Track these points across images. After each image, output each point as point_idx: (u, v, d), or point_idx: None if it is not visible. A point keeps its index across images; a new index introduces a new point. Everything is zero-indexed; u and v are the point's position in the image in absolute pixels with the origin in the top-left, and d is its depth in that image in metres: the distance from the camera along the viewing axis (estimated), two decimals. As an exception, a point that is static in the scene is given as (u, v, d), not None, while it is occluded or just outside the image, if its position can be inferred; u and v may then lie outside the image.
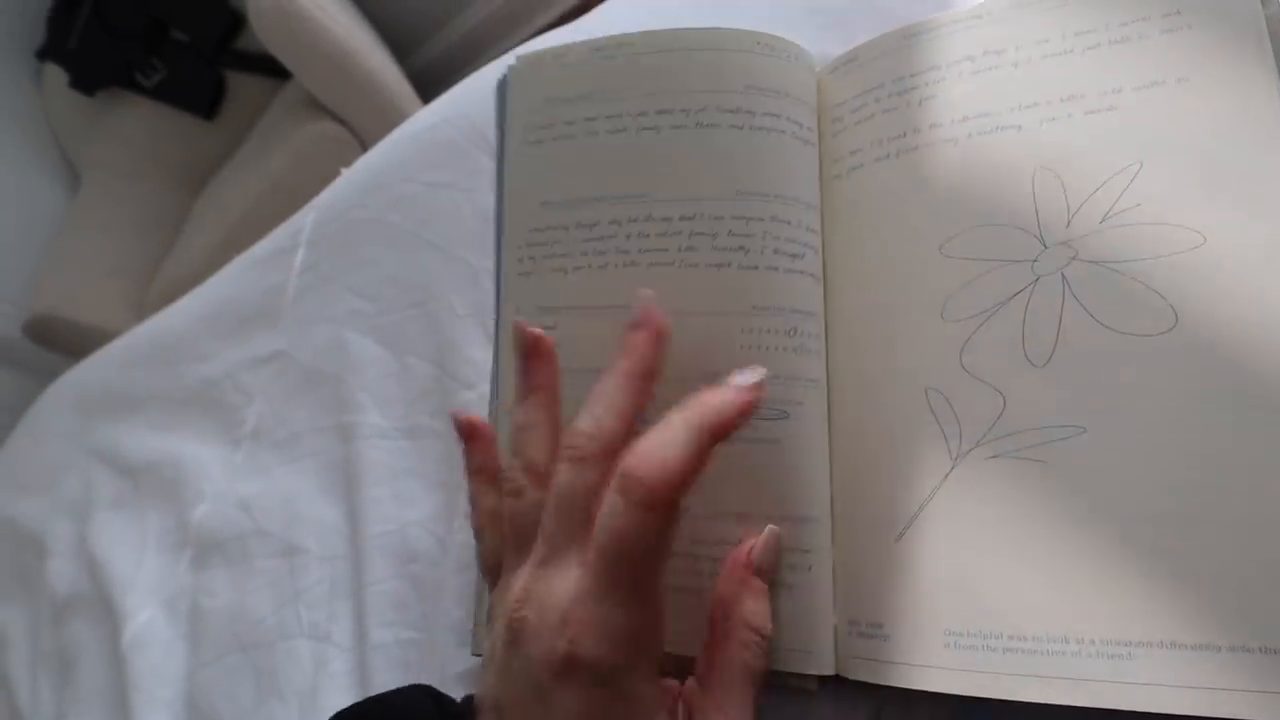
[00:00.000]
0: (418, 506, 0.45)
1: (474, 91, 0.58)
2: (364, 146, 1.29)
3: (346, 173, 0.68)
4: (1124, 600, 0.25)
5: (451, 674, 0.39)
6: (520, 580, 0.26)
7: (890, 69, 0.34)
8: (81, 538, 0.67)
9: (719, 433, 0.25)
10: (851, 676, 0.29)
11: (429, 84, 1.70)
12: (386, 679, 0.41)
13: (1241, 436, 0.24)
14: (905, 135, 0.32)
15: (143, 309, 1.36)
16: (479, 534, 0.31)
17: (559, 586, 0.25)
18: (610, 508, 0.24)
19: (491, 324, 0.45)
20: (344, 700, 0.42)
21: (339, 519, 0.49)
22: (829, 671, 0.29)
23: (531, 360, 0.30)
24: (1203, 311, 0.26)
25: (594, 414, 0.27)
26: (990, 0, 0.33)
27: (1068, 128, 0.29)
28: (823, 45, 0.41)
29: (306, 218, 0.67)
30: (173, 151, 1.52)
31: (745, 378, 0.26)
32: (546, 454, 0.29)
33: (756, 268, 0.32)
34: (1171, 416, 0.25)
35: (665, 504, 0.24)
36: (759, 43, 0.34)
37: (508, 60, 0.41)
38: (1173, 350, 0.26)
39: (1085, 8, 0.30)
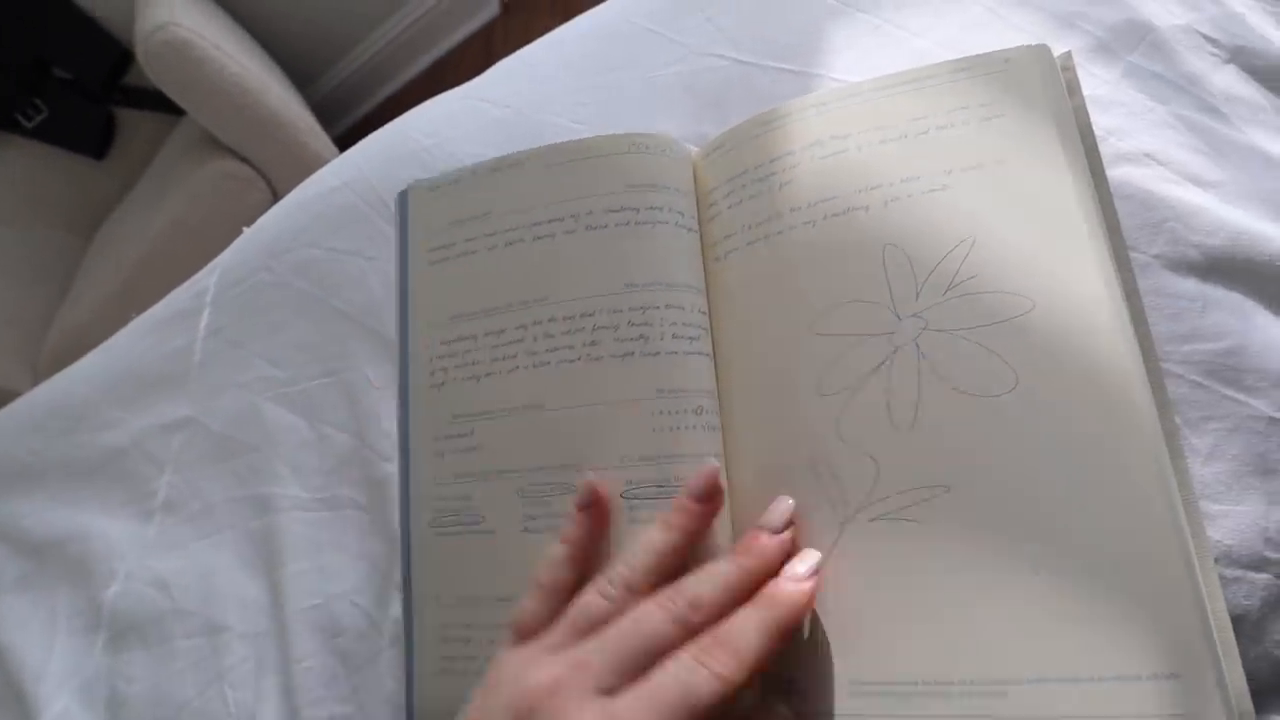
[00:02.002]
0: (342, 579, 0.45)
1: (373, 155, 0.58)
2: (269, 183, 1.27)
3: (249, 231, 0.67)
4: (994, 641, 0.28)
5: (386, 750, 0.40)
6: (557, 671, 0.28)
7: (752, 155, 0.36)
8: (-15, 622, 0.64)
9: (791, 626, 0.29)
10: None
11: (331, 113, 1.68)
12: (319, 757, 0.42)
13: (1078, 484, 0.28)
14: (770, 219, 0.35)
15: (37, 362, 1.30)
16: (532, 592, 0.32)
17: (592, 705, 0.27)
18: (684, 665, 0.27)
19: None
20: (276, 781, 0.43)
21: (260, 594, 0.49)
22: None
23: (703, 505, 0.32)
24: (1038, 370, 0.29)
25: (702, 588, 0.29)
26: (832, 90, 0.36)
27: (909, 206, 0.33)
28: (699, 126, 0.44)
29: (210, 278, 0.66)
30: (62, 194, 1.46)
31: (804, 565, 0.30)
32: (649, 584, 0.31)
33: (658, 354, 0.34)
34: (1020, 469, 0.29)
35: (733, 685, 0.27)
36: (633, 143, 0.37)
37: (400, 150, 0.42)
38: (1016, 408, 0.29)
39: (917, 97, 0.34)
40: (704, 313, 0.35)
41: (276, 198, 1.30)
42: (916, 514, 0.30)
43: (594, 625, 0.30)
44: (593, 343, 0.35)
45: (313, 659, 0.44)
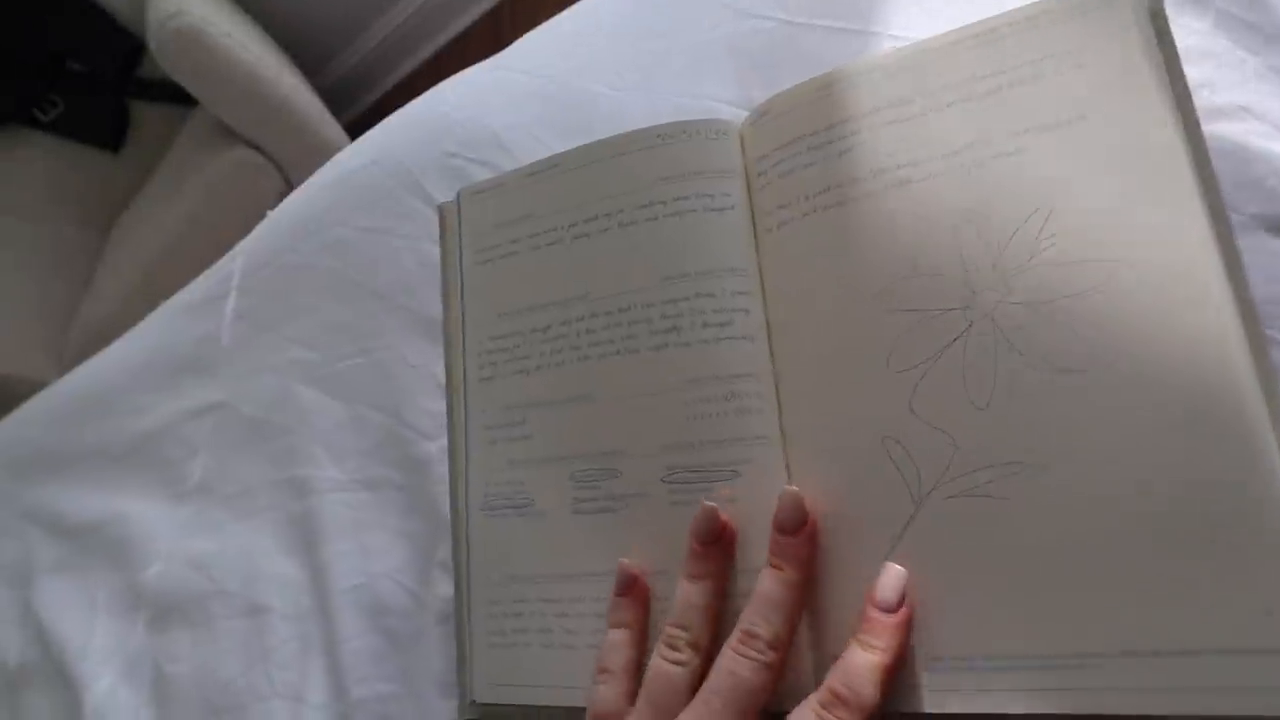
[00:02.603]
0: (385, 559, 0.46)
1: (400, 132, 0.58)
2: (282, 172, 1.27)
3: (272, 215, 0.67)
4: (1079, 615, 0.27)
5: (437, 725, 0.40)
6: None
7: (806, 122, 0.35)
8: (25, 604, 0.65)
9: (900, 662, 0.29)
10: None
11: (338, 102, 1.67)
12: (369, 735, 0.42)
13: (1171, 457, 0.27)
14: (828, 190, 0.34)
15: (62, 354, 1.30)
16: (604, 679, 0.33)
17: None
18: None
19: (435, 376, 0.46)
20: (325, 758, 0.43)
21: (301, 575, 0.49)
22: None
23: (711, 548, 0.33)
24: (1120, 342, 0.28)
25: (772, 622, 0.30)
26: (893, 50, 0.35)
27: (980, 174, 0.31)
28: (748, 90, 0.43)
29: (235, 263, 0.66)
30: (80, 188, 1.46)
31: (893, 591, 0.30)
32: (710, 636, 0.32)
33: (689, 344, 0.35)
34: (1103, 444, 0.28)
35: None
36: (658, 135, 0.37)
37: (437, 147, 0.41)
38: (1097, 384, 0.28)
39: (985, 52, 0.32)
40: (743, 293, 0.35)
41: (290, 186, 1.31)
42: (995, 490, 0.29)
43: (679, 694, 0.31)
44: (630, 336, 0.36)
45: (359, 639, 0.44)
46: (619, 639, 0.34)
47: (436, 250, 0.51)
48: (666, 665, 0.32)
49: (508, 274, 0.40)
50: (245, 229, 0.68)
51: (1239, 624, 0.25)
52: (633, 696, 0.33)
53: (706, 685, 0.30)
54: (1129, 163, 0.29)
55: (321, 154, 1.25)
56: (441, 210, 0.44)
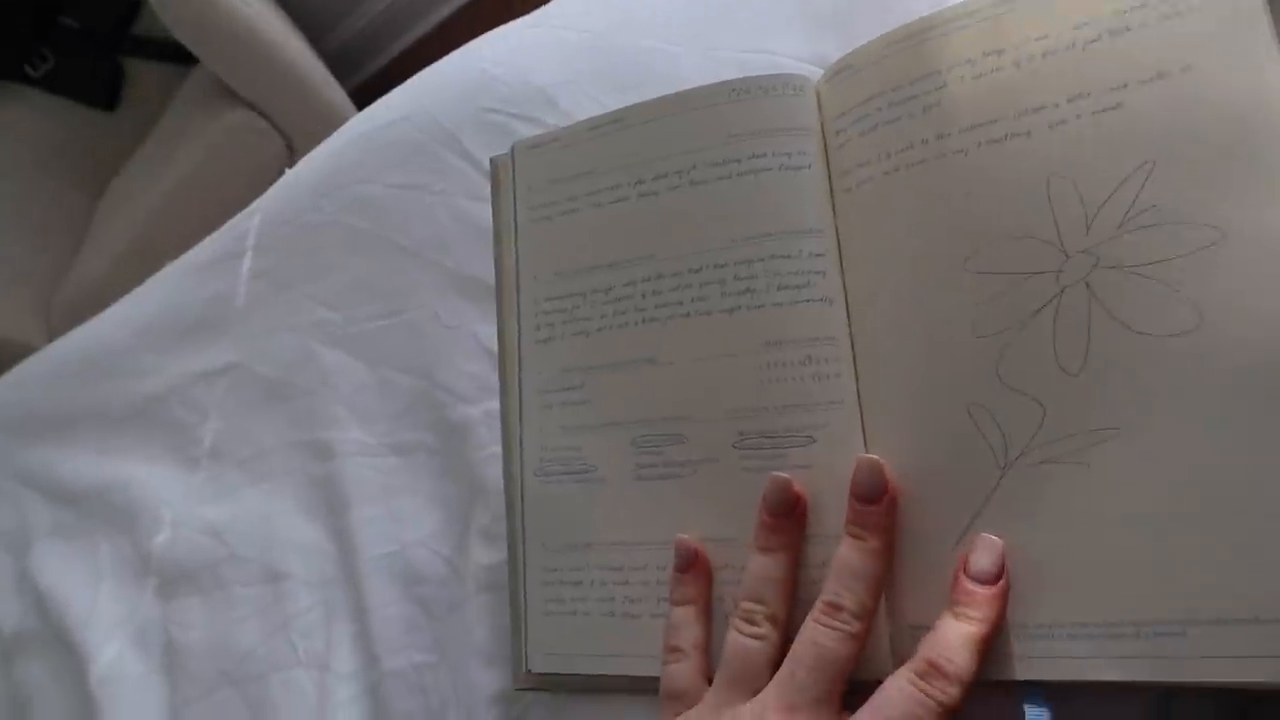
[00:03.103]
0: (418, 525, 0.44)
1: (432, 89, 0.56)
2: (284, 137, 1.23)
3: (290, 173, 0.65)
4: (1171, 583, 0.26)
5: (483, 696, 0.38)
6: (765, 716, 0.28)
7: (888, 76, 0.34)
8: (22, 571, 0.62)
9: (996, 633, 0.28)
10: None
11: (344, 67, 1.64)
12: (405, 705, 0.40)
13: (1261, 428, 0.26)
14: (912, 147, 0.32)
15: (50, 317, 1.27)
16: (676, 658, 0.32)
17: None
18: (908, 697, 0.27)
19: (488, 336, 0.44)
20: (355, 729, 0.41)
21: (323, 540, 0.47)
22: (883, 675, 0.29)
23: (785, 520, 0.32)
24: (1226, 308, 0.27)
25: (856, 592, 0.29)
26: None
27: (1076, 130, 0.30)
28: (819, 47, 0.41)
29: (251, 221, 0.64)
30: (71, 147, 1.42)
31: (990, 560, 0.29)
32: (786, 609, 0.31)
33: (764, 306, 0.34)
34: (1202, 413, 0.27)
35: (957, 706, 0.27)
36: (733, 90, 0.36)
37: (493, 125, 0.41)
38: (1199, 349, 0.27)
39: (1079, 1, 0.30)
40: (818, 255, 0.34)
41: (293, 151, 1.27)
42: (1085, 457, 0.28)
43: (759, 669, 0.30)
44: (701, 298, 0.35)
45: (391, 607, 0.43)
46: (685, 616, 0.33)
47: (473, 206, 0.49)
48: (745, 640, 0.31)
49: (567, 232, 0.39)
50: (245, 194, 0.66)
51: None
52: (707, 673, 0.32)
53: (790, 657, 0.29)
54: (1233, 121, 0.28)
55: (326, 119, 1.22)
56: (494, 164, 0.42)
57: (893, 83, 0.33)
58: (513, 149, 0.42)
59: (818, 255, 0.34)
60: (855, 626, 0.29)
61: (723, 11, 0.44)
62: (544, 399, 0.38)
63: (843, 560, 0.30)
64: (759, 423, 0.33)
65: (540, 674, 0.36)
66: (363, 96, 0.64)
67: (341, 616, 0.44)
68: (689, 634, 0.33)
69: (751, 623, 0.31)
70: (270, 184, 0.64)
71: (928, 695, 0.27)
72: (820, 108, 0.36)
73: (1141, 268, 0.28)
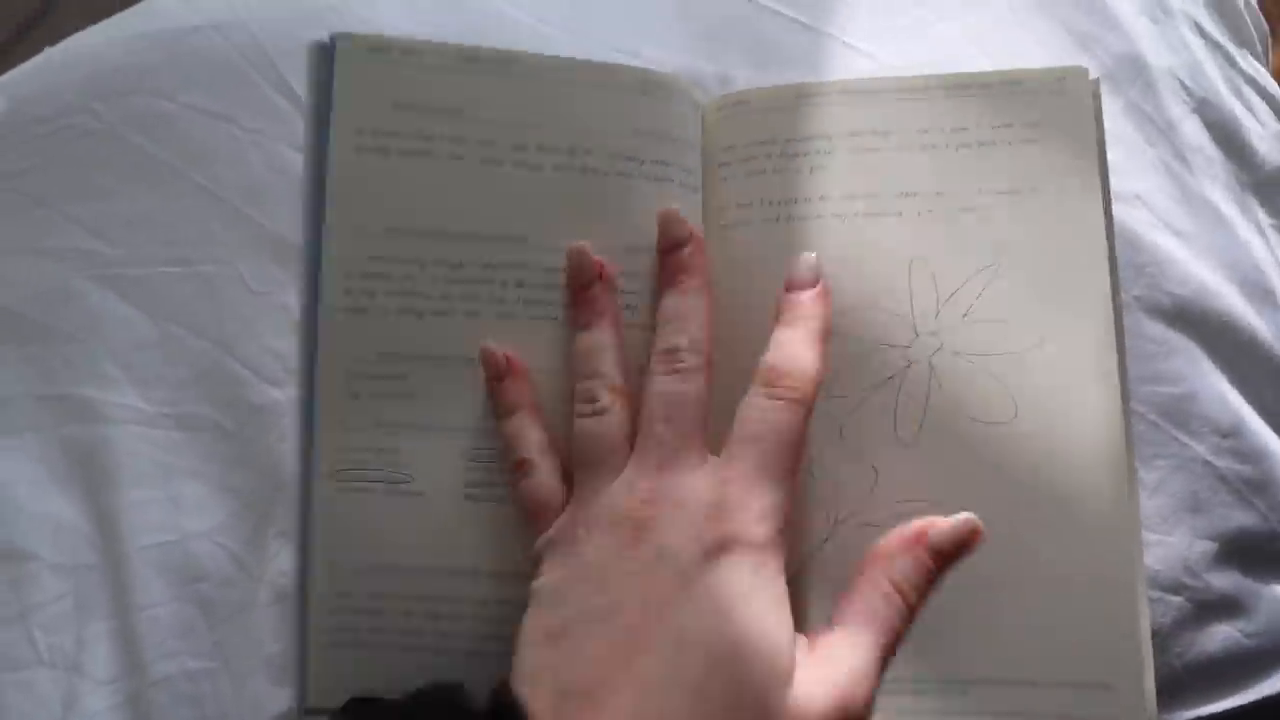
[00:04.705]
0: (202, 515, 0.39)
1: (254, 1, 0.48)
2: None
3: (52, 53, 0.54)
4: (961, 645, 0.30)
5: (267, 716, 0.35)
6: (635, 485, 0.28)
7: (783, 127, 0.34)
8: None
9: (828, 333, 0.30)
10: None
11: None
12: (175, 717, 0.36)
13: (1055, 512, 0.30)
14: (796, 202, 0.33)
15: None
16: (525, 470, 0.31)
17: (696, 482, 0.27)
18: (761, 408, 0.28)
19: (288, 310, 0.40)
20: (107, 743, 0.37)
21: (81, 519, 0.41)
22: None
23: (591, 289, 0.31)
24: (1036, 404, 0.31)
25: (688, 331, 0.30)
26: (877, 78, 0.35)
27: (940, 222, 0.33)
28: (692, 59, 0.40)
29: (-8, 104, 0.52)
30: None
31: (808, 269, 0.32)
32: (624, 375, 0.30)
33: (646, 328, 0.32)
34: (1006, 493, 0.31)
35: (811, 400, 0.28)
36: (649, 81, 0.33)
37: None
38: (1012, 437, 0.31)
39: (962, 105, 0.33)
40: None
41: (49, 11, 1.05)
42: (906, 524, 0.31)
43: (614, 445, 0.29)
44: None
45: (162, 606, 0.38)
46: (518, 424, 0.31)
47: (296, 157, 0.43)
48: (591, 421, 0.30)
49: (410, 177, 0.32)
50: None
51: (1089, 662, 0.30)
52: (564, 475, 0.31)
53: (643, 418, 0.29)
54: (1066, 241, 0.32)
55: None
56: (312, 54, 0.34)
57: (785, 134, 0.34)
58: (334, 40, 0.34)
59: None
60: (695, 360, 0.30)
61: (601, 2, 0.41)
62: (351, 385, 0.33)
63: (666, 308, 0.31)
64: None
65: (319, 709, 0.33)
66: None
67: (97, 612, 0.39)
68: (530, 440, 0.31)
69: (593, 399, 0.30)
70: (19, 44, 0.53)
71: (781, 398, 0.28)
72: (705, 134, 0.35)
73: (975, 358, 0.31)
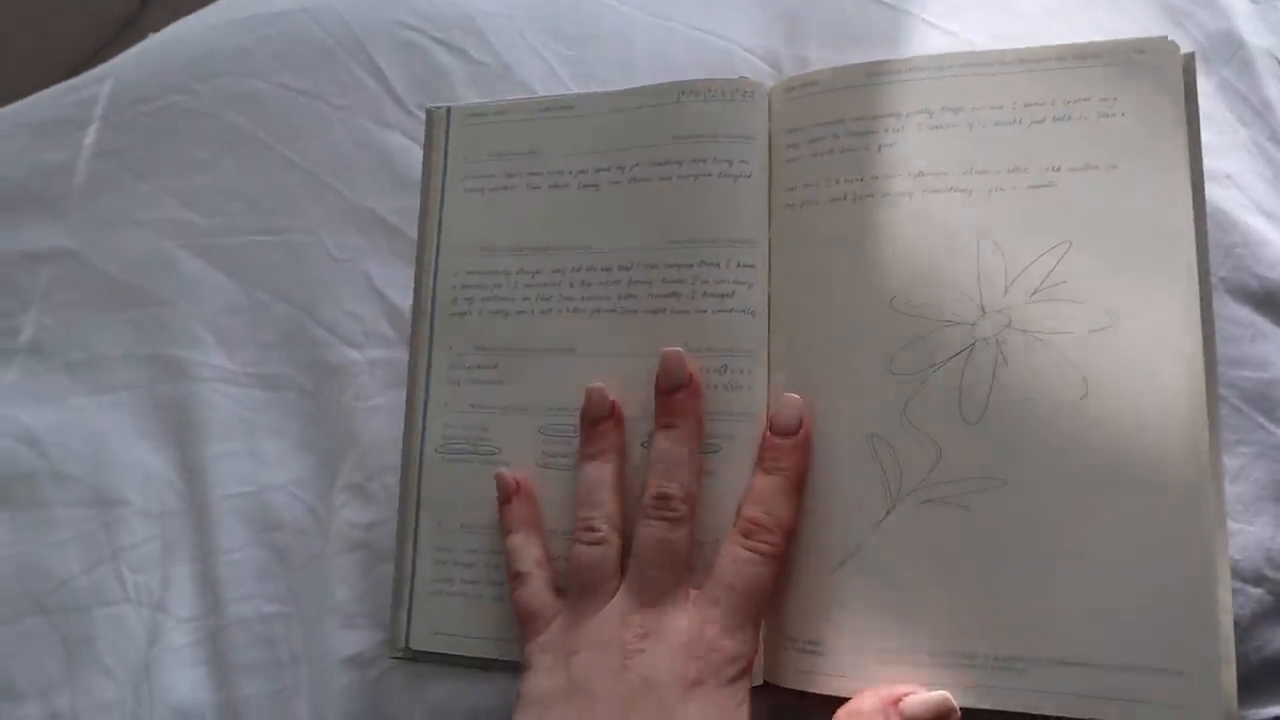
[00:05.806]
0: (280, 469, 0.41)
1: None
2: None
3: (156, 39, 0.57)
4: (1023, 623, 0.29)
5: (338, 658, 0.37)
6: (628, 616, 0.30)
7: (851, 106, 0.34)
8: None
9: (803, 480, 0.32)
10: (785, 685, 0.31)
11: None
12: (250, 656, 0.38)
13: (1130, 494, 0.29)
14: (862, 180, 0.33)
15: None
16: (522, 580, 0.33)
17: (681, 622, 0.30)
18: (738, 559, 0.30)
19: (381, 278, 0.42)
20: (188, 677, 0.39)
21: (168, 470, 0.43)
22: (758, 683, 0.31)
23: (604, 423, 0.34)
24: (1109, 384, 0.30)
25: (679, 477, 0.31)
26: (949, 54, 0.34)
27: (1011, 199, 0.32)
28: (767, 39, 0.40)
29: (100, 87, 0.56)
30: None
31: (792, 413, 0.32)
32: (620, 509, 0.33)
33: (688, 312, 0.34)
34: (1077, 474, 0.30)
35: (783, 552, 0.31)
36: (683, 92, 0.36)
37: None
38: (1082, 416, 0.30)
39: (1036, 79, 0.32)
40: (747, 265, 0.34)
41: (146, 5, 1.11)
42: (969, 501, 0.30)
43: (607, 574, 0.31)
44: (628, 295, 0.35)
45: (241, 550, 0.40)
46: (520, 541, 0.34)
47: (380, 133, 0.46)
48: (588, 549, 0.32)
49: (499, 208, 0.38)
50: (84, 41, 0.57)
51: (1158, 648, 0.28)
52: (554, 588, 0.33)
53: (634, 556, 0.31)
54: (1147, 220, 0.31)
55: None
56: (430, 117, 0.40)
57: (854, 113, 0.34)
58: (449, 112, 0.40)
59: (747, 266, 0.34)
60: (684, 510, 0.31)
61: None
62: (454, 374, 0.37)
63: (661, 451, 0.32)
64: None
65: (421, 651, 0.36)
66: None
67: (182, 555, 0.41)
68: (528, 555, 0.34)
69: (591, 529, 0.32)
70: (116, 41, 0.56)
71: (755, 551, 0.30)
72: (771, 115, 0.35)
73: (1045, 336, 0.31)
